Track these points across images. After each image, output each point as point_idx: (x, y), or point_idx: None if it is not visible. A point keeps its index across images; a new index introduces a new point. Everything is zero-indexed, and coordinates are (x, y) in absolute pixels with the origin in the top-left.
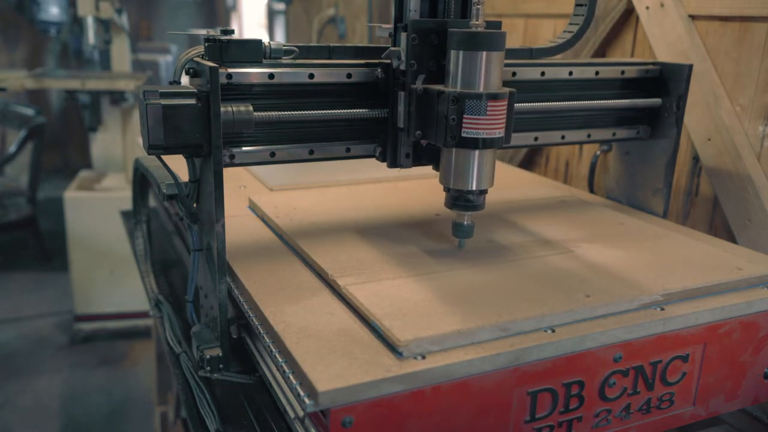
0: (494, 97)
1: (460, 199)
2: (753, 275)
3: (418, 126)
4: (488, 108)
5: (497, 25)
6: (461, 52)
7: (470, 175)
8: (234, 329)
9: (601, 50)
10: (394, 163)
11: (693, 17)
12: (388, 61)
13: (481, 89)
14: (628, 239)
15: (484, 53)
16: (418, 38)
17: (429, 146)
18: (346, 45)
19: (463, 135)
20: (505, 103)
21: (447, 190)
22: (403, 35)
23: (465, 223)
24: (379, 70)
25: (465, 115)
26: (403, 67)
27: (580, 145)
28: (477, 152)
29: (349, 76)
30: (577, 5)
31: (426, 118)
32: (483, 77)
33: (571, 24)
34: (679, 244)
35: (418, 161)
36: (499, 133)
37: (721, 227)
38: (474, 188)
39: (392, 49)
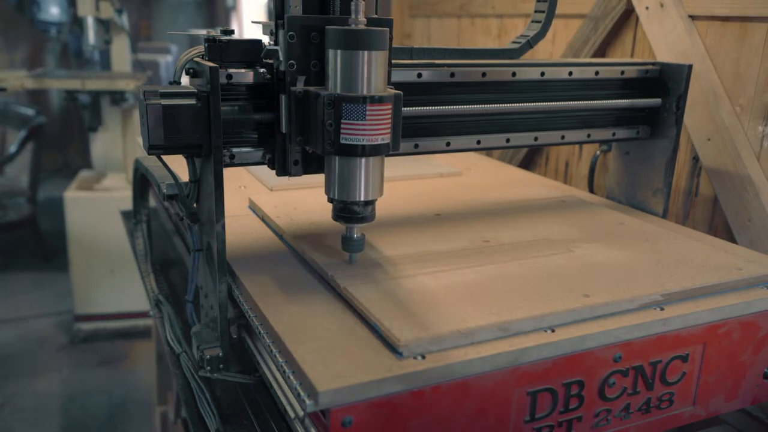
0: (375, 100)
1: (346, 211)
2: (753, 275)
3: (299, 131)
4: (368, 112)
5: (387, 22)
6: (339, 52)
7: (356, 185)
8: (234, 329)
9: (601, 50)
10: (282, 171)
11: (693, 17)
12: (271, 61)
13: (364, 92)
14: (628, 239)
15: (365, 53)
16: (296, 36)
17: (316, 153)
18: None
19: (342, 141)
20: (389, 106)
21: (331, 200)
22: (282, 33)
23: (354, 236)
24: (263, 70)
25: (343, 120)
26: (282, 67)
27: (580, 145)
28: (362, 160)
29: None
30: None
31: (307, 123)
32: (364, 79)
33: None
34: (679, 244)
35: (307, 169)
36: (383, 139)
37: (720, 227)
38: (360, 199)
39: (270, 47)
